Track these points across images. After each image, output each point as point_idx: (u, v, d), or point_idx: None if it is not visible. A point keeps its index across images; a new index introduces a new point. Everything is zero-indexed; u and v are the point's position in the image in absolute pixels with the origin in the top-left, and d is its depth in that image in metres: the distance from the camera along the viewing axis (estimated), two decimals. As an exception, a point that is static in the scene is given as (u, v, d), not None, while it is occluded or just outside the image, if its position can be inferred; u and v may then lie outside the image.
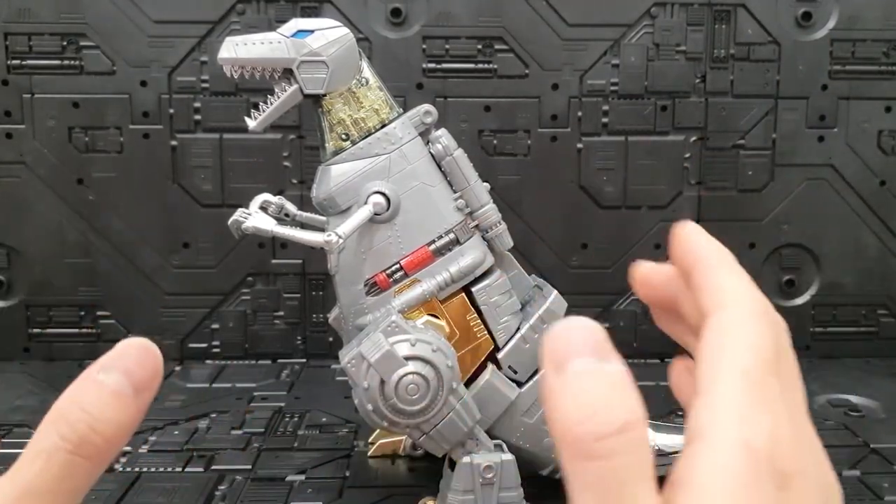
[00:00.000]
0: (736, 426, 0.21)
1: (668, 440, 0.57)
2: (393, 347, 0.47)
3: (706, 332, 0.24)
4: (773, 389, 0.22)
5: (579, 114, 0.83)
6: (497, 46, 0.82)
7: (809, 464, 0.22)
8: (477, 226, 0.52)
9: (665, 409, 0.71)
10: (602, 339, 0.22)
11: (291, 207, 0.57)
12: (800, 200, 0.85)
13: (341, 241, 0.48)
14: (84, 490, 0.25)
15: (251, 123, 0.51)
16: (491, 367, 0.52)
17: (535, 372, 0.53)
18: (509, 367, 0.53)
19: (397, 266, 0.51)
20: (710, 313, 0.25)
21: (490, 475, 0.50)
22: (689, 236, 0.28)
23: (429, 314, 0.51)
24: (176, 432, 0.67)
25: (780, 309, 0.92)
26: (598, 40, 0.82)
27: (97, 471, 0.25)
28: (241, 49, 0.49)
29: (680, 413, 0.70)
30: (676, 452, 0.57)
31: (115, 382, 0.25)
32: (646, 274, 0.30)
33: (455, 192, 0.52)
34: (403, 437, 0.63)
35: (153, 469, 0.61)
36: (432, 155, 0.52)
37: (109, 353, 0.25)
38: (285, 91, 0.50)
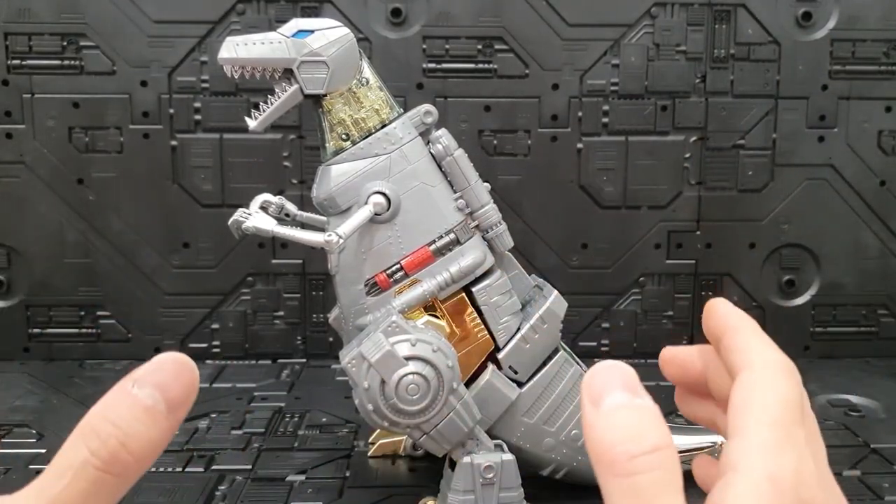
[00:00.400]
0: (764, 461, 0.24)
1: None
2: (393, 347, 0.47)
3: (737, 387, 0.27)
4: (798, 435, 0.25)
5: (579, 114, 0.83)
6: (497, 46, 0.82)
7: (832, 500, 0.25)
8: (477, 226, 0.52)
9: (665, 409, 0.71)
10: (634, 378, 0.25)
11: (292, 207, 0.57)
12: (800, 200, 0.85)
13: (341, 241, 0.48)
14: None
15: (251, 123, 0.51)
16: (491, 367, 0.52)
17: (536, 372, 0.53)
18: (510, 367, 0.53)
19: (398, 266, 0.51)
20: (740, 370, 0.28)
21: (490, 475, 0.50)
22: (720, 308, 0.31)
23: (429, 314, 0.51)
24: (176, 432, 0.67)
25: (779, 309, 0.92)
26: (598, 40, 0.82)
27: (124, 488, 0.24)
28: (241, 49, 0.49)
29: (679, 413, 0.70)
30: (679, 452, 0.57)
31: (149, 397, 0.24)
32: (673, 354, 0.34)
33: (455, 192, 0.52)
34: (404, 438, 0.63)
35: (153, 469, 0.60)
36: (433, 155, 0.52)
37: (145, 365, 0.25)
38: (286, 91, 0.50)
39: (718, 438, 0.58)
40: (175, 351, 0.26)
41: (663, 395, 0.83)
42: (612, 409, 0.24)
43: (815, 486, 0.24)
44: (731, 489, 0.24)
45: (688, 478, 0.60)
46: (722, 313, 0.31)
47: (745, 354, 0.28)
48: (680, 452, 0.62)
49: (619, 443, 0.23)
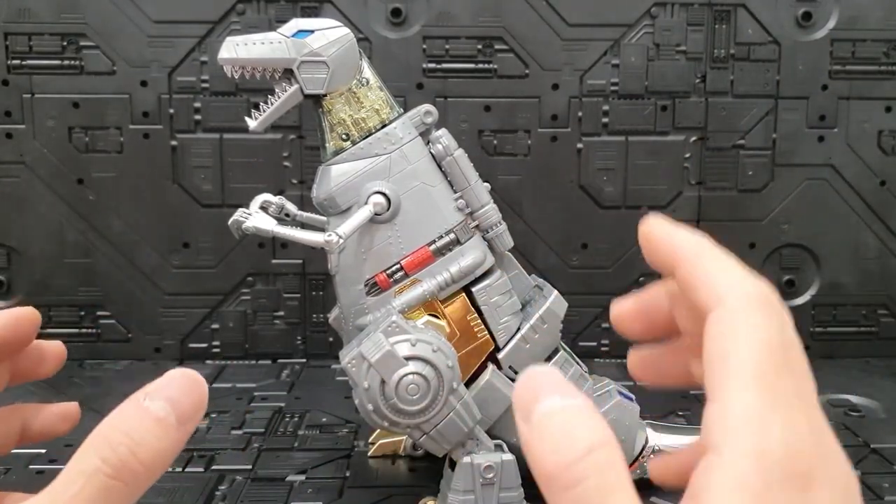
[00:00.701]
0: (749, 436, 0.21)
1: (668, 440, 0.57)
2: (393, 347, 0.47)
3: (709, 334, 0.23)
4: (786, 388, 0.22)
5: (579, 114, 0.83)
6: (497, 46, 0.82)
7: (829, 458, 0.22)
8: (477, 226, 0.52)
9: (665, 409, 0.71)
10: (558, 379, 0.23)
11: (292, 207, 0.57)
12: (800, 200, 0.85)
13: (342, 241, 0.48)
14: None
15: (251, 123, 0.51)
16: (491, 367, 0.52)
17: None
18: (510, 367, 0.53)
19: (398, 266, 0.51)
20: (708, 310, 0.24)
21: (490, 475, 0.50)
22: (661, 232, 0.27)
23: (429, 314, 0.51)
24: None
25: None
26: (598, 40, 0.82)
27: (133, 497, 0.25)
28: (241, 49, 0.49)
29: (680, 413, 0.70)
30: (677, 452, 0.57)
31: (160, 409, 0.25)
32: (621, 308, 0.30)
33: (455, 192, 0.52)
34: (404, 438, 0.63)
35: (153, 469, 0.61)
36: (433, 155, 0.52)
37: (157, 380, 0.26)
38: (286, 91, 0.50)
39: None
40: (191, 370, 0.26)
41: (663, 395, 0.83)
42: (541, 420, 0.23)
43: (809, 453, 0.21)
44: (713, 474, 0.21)
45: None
46: (667, 238, 0.27)
47: (709, 290, 0.24)
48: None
49: (551, 453, 0.22)
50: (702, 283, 0.25)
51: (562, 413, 0.23)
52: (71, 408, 0.36)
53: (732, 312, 0.23)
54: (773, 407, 0.21)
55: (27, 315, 0.35)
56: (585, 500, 0.21)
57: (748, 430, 0.21)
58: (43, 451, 0.63)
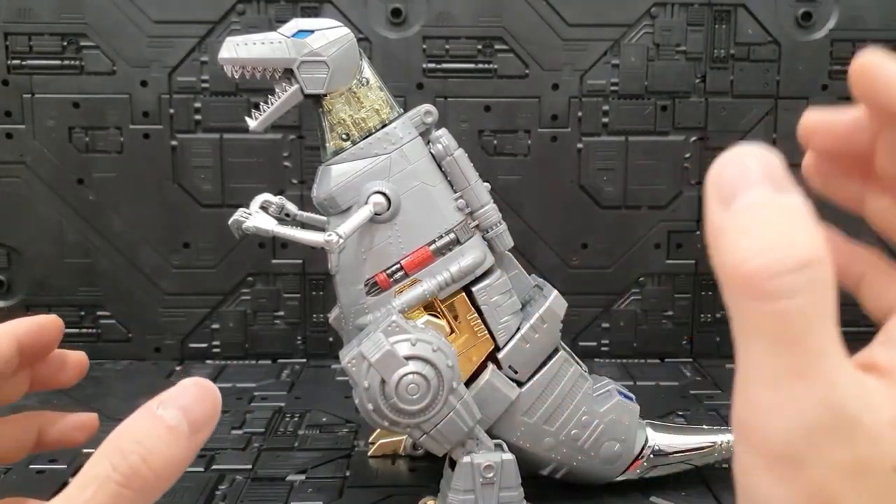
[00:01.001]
0: None
1: (667, 440, 0.57)
2: (393, 347, 0.47)
3: None
4: None
5: (579, 114, 0.83)
6: (497, 46, 0.82)
7: None
8: (477, 226, 0.52)
9: (665, 409, 0.71)
10: (778, 168, 0.19)
11: (292, 207, 0.57)
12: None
13: (342, 240, 0.48)
14: None
15: (252, 123, 0.51)
16: (491, 366, 0.52)
17: (536, 372, 0.53)
18: (509, 366, 0.53)
19: (398, 266, 0.51)
20: None
21: (490, 475, 0.50)
22: (887, 73, 0.23)
23: (429, 314, 0.51)
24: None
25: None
26: (598, 40, 0.82)
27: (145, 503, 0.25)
28: (241, 49, 0.49)
29: (680, 413, 0.70)
30: (677, 452, 0.57)
31: (172, 418, 0.25)
32: (819, 120, 0.26)
33: (455, 192, 0.52)
34: (404, 437, 0.63)
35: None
36: (433, 155, 0.52)
37: (170, 389, 0.26)
38: (286, 91, 0.50)
39: (718, 438, 0.58)
40: (205, 379, 0.27)
41: (662, 394, 0.83)
42: (748, 209, 0.18)
43: None
44: None
45: (683, 478, 0.60)
46: (887, 81, 0.22)
47: None
48: (679, 452, 0.62)
49: (759, 253, 0.18)
50: None
51: (777, 210, 0.18)
52: (89, 419, 0.36)
53: None
54: None
55: (51, 323, 0.35)
56: (786, 319, 0.18)
57: None
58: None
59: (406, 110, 0.52)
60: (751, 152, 0.19)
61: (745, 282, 0.18)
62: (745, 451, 0.19)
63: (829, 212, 0.25)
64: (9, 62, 0.81)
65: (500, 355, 0.53)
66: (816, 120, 0.27)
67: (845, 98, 0.92)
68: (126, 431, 0.25)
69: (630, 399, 0.56)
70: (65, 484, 0.57)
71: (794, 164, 0.76)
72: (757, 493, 0.18)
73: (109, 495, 0.24)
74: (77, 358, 0.37)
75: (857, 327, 0.85)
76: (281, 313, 0.85)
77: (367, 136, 0.51)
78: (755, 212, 0.18)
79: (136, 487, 0.24)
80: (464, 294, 0.52)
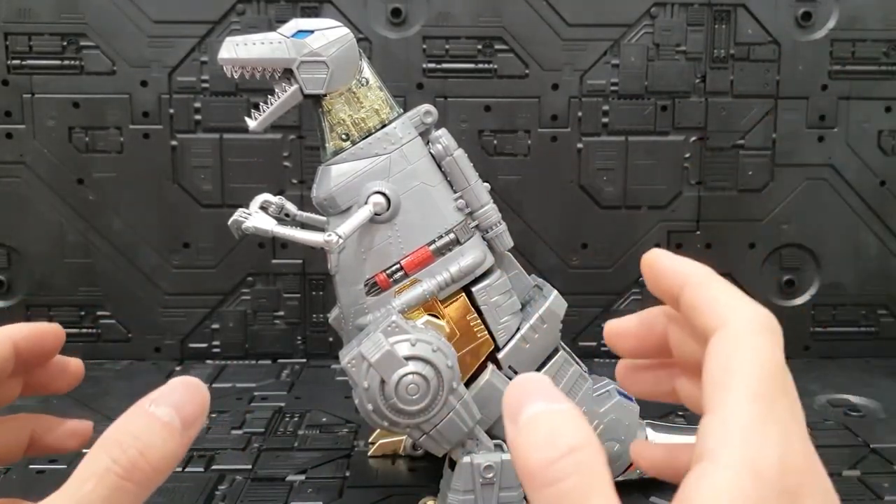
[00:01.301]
0: (744, 448, 0.22)
1: (667, 440, 0.57)
2: (393, 347, 0.47)
3: (711, 352, 0.24)
4: (783, 409, 0.23)
5: (579, 114, 0.83)
6: (497, 46, 0.82)
7: (817, 476, 0.23)
8: (477, 226, 0.52)
9: (665, 409, 0.71)
10: (548, 385, 0.24)
11: (292, 207, 0.57)
12: (800, 200, 0.85)
13: (341, 240, 0.48)
14: None
15: (251, 123, 0.51)
16: (491, 367, 0.52)
17: (536, 371, 0.53)
18: (509, 367, 0.53)
19: (397, 266, 0.51)
20: (713, 331, 0.25)
21: (490, 475, 0.50)
22: (665, 262, 0.28)
23: (429, 314, 0.51)
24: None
25: (779, 309, 0.92)
26: (598, 40, 0.82)
27: (142, 497, 0.26)
28: (241, 49, 0.49)
29: (680, 413, 0.70)
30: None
31: (165, 414, 0.26)
32: (616, 326, 0.32)
33: (455, 192, 0.52)
34: (403, 437, 0.63)
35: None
36: (432, 155, 0.52)
37: (161, 388, 0.27)
38: (285, 91, 0.50)
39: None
40: (193, 378, 0.28)
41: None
42: (528, 421, 0.23)
43: (801, 471, 0.22)
44: (707, 481, 0.21)
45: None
46: (670, 267, 0.28)
47: (715, 312, 0.25)
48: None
49: (535, 451, 0.23)
50: (707, 306, 0.26)
51: (547, 415, 0.23)
52: (83, 426, 0.37)
53: (736, 333, 0.24)
54: (770, 422, 0.22)
55: (51, 332, 0.35)
56: (565, 497, 0.22)
57: (745, 442, 0.22)
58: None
59: (406, 110, 0.52)
60: (526, 379, 0.25)
61: (531, 474, 0.22)
62: None
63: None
64: (9, 62, 0.81)
65: (500, 355, 0.53)
66: (614, 326, 0.32)
67: (845, 98, 0.92)
68: (122, 428, 0.26)
69: (630, 399, 0.56)
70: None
71: (794, 165, 0.76)
72: None
73: (110, 488, 0.25)
74: (74, 366, 0.38)
75: (857, 327, 0.85)
76: (281, 313, 0.85)
77: (366, 137, 0.51)
78: (531, 422, 0.23)
79: (135, 480, 0.25)
80: (464, 294, 0.52)
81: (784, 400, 0.23)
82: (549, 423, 0.23)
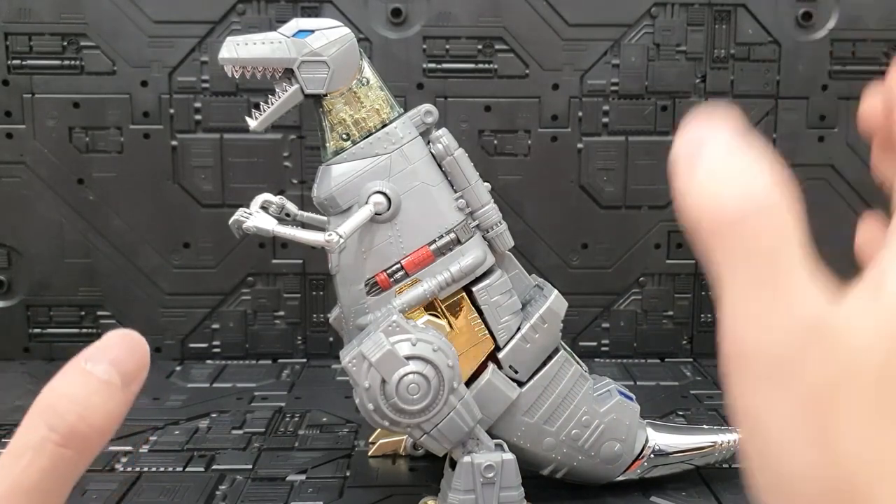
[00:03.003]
0: None
1: (668, 440, 0.57)
2: (394, 347, 0.47)
3: None
4: None
5: (579, 114, 0.83)
6: (497, 46, 0.82)
7: None
8: (478, 225, 0.52)
9: (665, 409, 0.71)
10: (734, 126, 0.21)
11: (292, 207, 0.57)
12: (800, 200, 0.85)
13: (342, 240, 0.48)
14: (72, 483, 0.24)
15: (252, 123, 0.51)
16: (491, 366, 0.52)
17: (536, 371, 0.53)
18: (510, 366, 0.53)
19: (398, 266, 0.51)
20: None
21: (491, 475, 0.50)
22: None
23: (429, 314, 0.51)
24: (176, 432, 0.67)
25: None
26: (598, 40, 0.82)
27: (84, 463, 0.24)
28: (241, 49, 0.49)
29: (680, 413, 0.70)
30: (677, 452, 0.57)
31: (103, 372, 0.24)
32: (869, 104, 0.29)
33: (456, 191, 0.52)
34: (404, 437, 0.63)
35: (154, 469, 0.61)
36: (433, 155, 0.52)
37: (96, 343, 0.25)
38: (286, 91, 0.50)
39: (718, 438, 0.58)
40: (130, 330, 0.25)
41: (663, 394, 0.83)
42: (711, 166, 0.21)
43: None
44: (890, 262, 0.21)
45: (683, 478, 0.60)
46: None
47: None
48: (679, 452, 0.62)
49: (726, 189, 0.20)
50: None
51: (738, 159, 0.21)
52: None
53: None
54: None
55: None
56: (755, 240, 0.20)
57: None
58: None
59: (406, 110, 0.52)
60: (709, 116, 0.22)
61: (716, 217, 0.20)
62: (736, 372, 0.20)
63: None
64: (9, 62, 0.81)
65: (501, 355, 0.53)
66: (865, 104, 0.29)
67: (845, 98, 0.92)
68: (58, 390, 0.24)
69: (630, 399, 0.56)
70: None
71: (794, 165, 0.76)
72: (753, 413, 0.20)
73: (49, 459, 0.23)
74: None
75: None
76: (281, 313, 0.85)
77: (367, 136, 0.51)
78: (717, 167, 0.21)
79: (76, 447, 0.23)
80: (464, 294, 0.52)
81: None
82: (739, 167, 0.21)
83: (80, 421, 0.23)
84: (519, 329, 0.53)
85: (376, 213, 0.50)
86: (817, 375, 0.19)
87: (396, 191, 0.50)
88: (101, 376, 0.24)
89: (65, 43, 0.81)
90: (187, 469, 0.61)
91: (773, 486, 0.20)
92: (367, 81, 0.51)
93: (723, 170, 0.21)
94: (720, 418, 0.69)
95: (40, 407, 0.24)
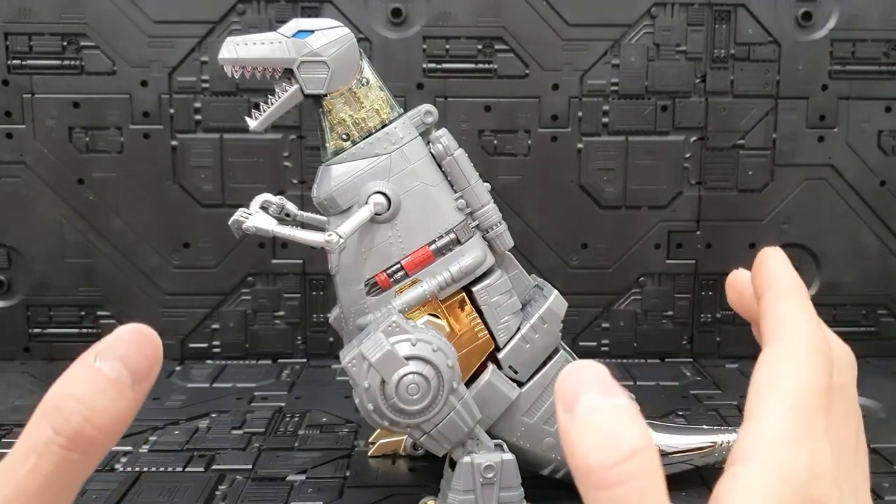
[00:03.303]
0: (776, 454, 0.23)
1: (668, 440, 0.57)
2: (394, 347, 0.47)
3: (761, 362, 0.25)
4: (818, 425, 0.24)
5: (579, 114, 0.83)
6: (497, 46, 0.82)
7: (847, 497, 0.24)
8: (477, 226, 0.52)
9: (665, 409, 0.71)
10: (607, 377, 0.23)
11: (292, 207, 0.57)
12: (800, 200, 0.85)
13: (342, 240, 0.48)
14: (78, 485, 0.23)
15: (252, 123, 0.51)
16: (491, 366, 0.52)
17: (536, 372, 0.53)
18: (510, 366, 0.53)
19: (398, 266, 0.51)
20: (767, 343, 0.26)
21: (490, 475, 0.50)
22: (766, 262, 0.29)
23: (429, 314, 0.51)
24: (176, 432, 0.67)
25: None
26: (598, 40, 0.82)
27: (91, 465, 0.23)
28: (241, 49, 0.49)
29: (680, 413, 0.70)
30: (677, 452, 0.57)
31: (112, 370, 0.23)
32: (734, 280, 0.32)
33: (456, 191, 0.52)
34: (404, 437, 0.63)
35: (154, 469, 0.61)
36: (433, 155, 0.52)
37: (106, 338, 0.24)
38: (286, 91, 0.50)
39: (718, 438, 0.58)
40: (142, 325, 0.24)
41: (662, 394, 0.83)
42: (584, 413, 0.22)
43: (828, 483, 0.23)
44: (739, 481, 0.23)
45: (683, 478, 0.60)
46: (767, 268, 0.28)
47: (777, 325, 0.26)
48: (679, 452, 0.62)
49: (594, 450, 0.22)
50: (772, 318, 0.27)
51: (607, 411, 0.22)
52: None
53: (786, 351, 0.25)
54: (803, 435, 0.23)
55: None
56: (623, 501, 0.21)
57: (777, 449, 0.23)
58: None
59: (406, 110, 0.52)
60: (585, 367, 0.23)
61: (587, 474, 0.22)
62: None
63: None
64: (9, 62, 0.81)
65: (501, 355, 0.53)
66: (732, 279, 0.32)
67: (845, 98, 0.92)
68: (65, 389, 0.23)
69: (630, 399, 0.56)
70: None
71: (794, 165, 0.76)
72: None
73: (54, 462, 0.22)
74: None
75: (857, 327, 0.85)
76: (281, 313, 0.85)
77: (367, 136, 0.51)
78: (589, 414, 0.22)
79: (81, 449, 0.22)
80: (464, 294, 0.52)
81: (822, 419, 0.24)
82: (609, 419, 0.22)
83: (86, 423, 0.23)
84: (519, 329, 0.53)
85: (376, 214, 0.50)
86: None
87: (396, 191, 0.50)
88: (108, 374, 0.23)
89: (65, 43, 0.81)
90: (187, 469, 0.61)
91: None
92: (367, 81, 0.51)
93: (595, 427, 0.22)
94: (720, 418, 0.69)
95: (46, 407, 0.23)
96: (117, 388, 0.23)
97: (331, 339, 0.85)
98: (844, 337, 0.28)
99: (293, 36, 0.49)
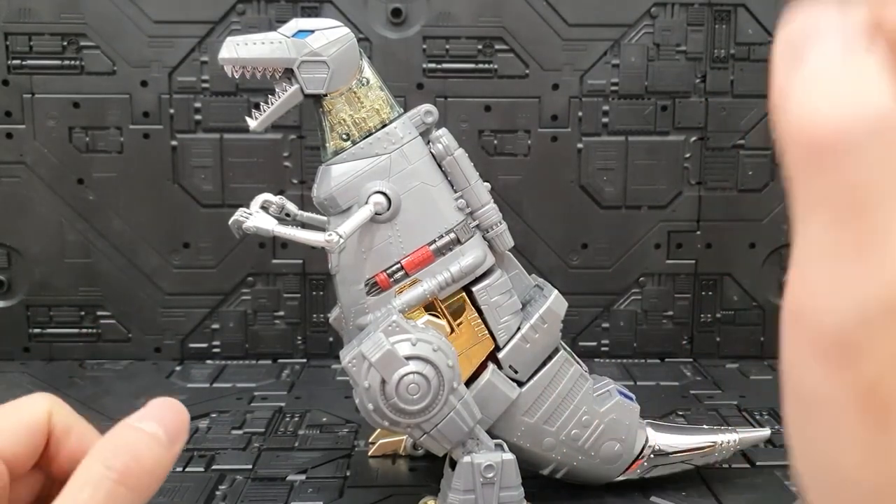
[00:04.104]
0: None
1: (668, 440, 0.57)
2: (394, 347, 0.47)
3: None
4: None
5: (579, 114, 0.83)
6: (497, 46, 0.82)
7: None
8: (477, 225, 0.52)
9: (665, 409, 0.71)
10: (853, 23, 0.16)
11: (292, 207, 0.57)
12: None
13: (342, 240, 0.48)
14: None
15: (252, 123, 0.51)
16: (491, 366, 0.52)
17: (536, 371, 0.53)
18: (510, 366, 0.53)
19: (398, 266, 0.51)
20: None
21: (491, 474, 0.50)
22: None
23: (429, 314, 0.51)
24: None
25: (780, 309, 0.92)
26: (598, 40, 0.82)
27: (137, 502, 0.26)
28: (241, 49, 0.49)
29: (680, 413, 0.70)
30: (677, 452, 0.57)
31: (152, 428, 0.27)
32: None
33: (456, 191, 0.52)
34: (404, 437, 0.63)
35: (154, 469, 0.61)
36: (433, 155, 0.52)
37: (142, 409, 0.28)
38: (286, 91, 0.50)
39: (718, 438, 0.58)
40: (172, 398, 0.29)
41: (663, 394, 0.83)
42: (818, 68, 0.16)
43: None
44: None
45: (683, 478, 0.60)
46: None
47: None
48: (679, 452, 0.62)
49: (826, 115, 0.16)
50: None
51: (852, 68, 0.16)
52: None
53: None
54: None
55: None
56: (852, 187, 0.16)
57: None
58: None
59: (406, 110, 0.52)
60: (825, 8, 0.17)
61: (812, 144, 0.16)
62: (794, 341, 0.17)
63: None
64: (9, 62, 0.81)
65: (501, 355, 0.53)
66: None
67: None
68: (113, 438, 0.27)
69: (630, 399, 0.56)
70: None
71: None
72: (804, 389, 0.17)
73: (107, 493, 0.25)
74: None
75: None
76: (281, 313, 0.85)
77: (367, 136, 0.51)
78: (825, 71, 0.16)
79: (130, 485, 0.25)
80: (464, 294, 0.52)
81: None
82: (851, 79, 0.16)
83: (134, 462, 0.26)
84: (519, 329, 0.53)
85: (376, 213, 0.50)
86: (887, 362, 0.15)
87: (396, 191, 0.50)
88: (150, 431, 0.27)
89: (65, 43, 0.81)
90: (187, 469, 0.61)
91: (820, 479, 0.17)
92: (367, 81, 0.51)
93: (832, 85, 0.16)
94: (720, 418, 0.69)
95: (97, 452, 0.26)
96: (157, 441, 0.27)
97: (331, 339, 0.85)
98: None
99: (293, 36, 0.49)
